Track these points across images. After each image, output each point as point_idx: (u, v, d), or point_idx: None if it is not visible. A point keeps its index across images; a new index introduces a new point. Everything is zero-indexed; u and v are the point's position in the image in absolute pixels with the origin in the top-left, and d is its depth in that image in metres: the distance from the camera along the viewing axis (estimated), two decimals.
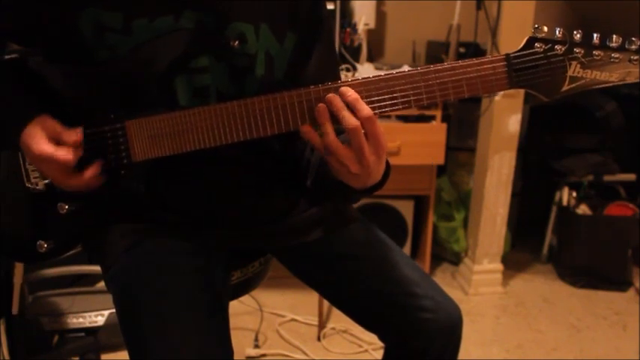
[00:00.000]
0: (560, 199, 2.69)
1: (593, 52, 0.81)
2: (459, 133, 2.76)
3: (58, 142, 0.88)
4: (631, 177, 2.68)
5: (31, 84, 0.96)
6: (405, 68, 2.48)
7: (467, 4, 2.40)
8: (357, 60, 2.51)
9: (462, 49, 2.55)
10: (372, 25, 2.60)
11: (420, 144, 2.20)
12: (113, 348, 1.94)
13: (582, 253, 2.58)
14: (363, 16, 2.54)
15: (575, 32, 0.82)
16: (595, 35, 0.81)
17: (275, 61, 0.97)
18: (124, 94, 0.91)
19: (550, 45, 0.82)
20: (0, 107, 0.92)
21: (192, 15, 0.89)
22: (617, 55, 0.80)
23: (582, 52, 0.81)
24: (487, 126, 2.37)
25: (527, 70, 0.83)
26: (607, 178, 2.67)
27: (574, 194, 2.64)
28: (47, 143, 0.87)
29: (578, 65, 0.82)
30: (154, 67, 0.89)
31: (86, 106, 0.93)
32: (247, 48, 0.93)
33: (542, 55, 0.82)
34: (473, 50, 2.46)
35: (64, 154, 0.87)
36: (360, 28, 2.51)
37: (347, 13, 2.53)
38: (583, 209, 2.58)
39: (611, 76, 0.82)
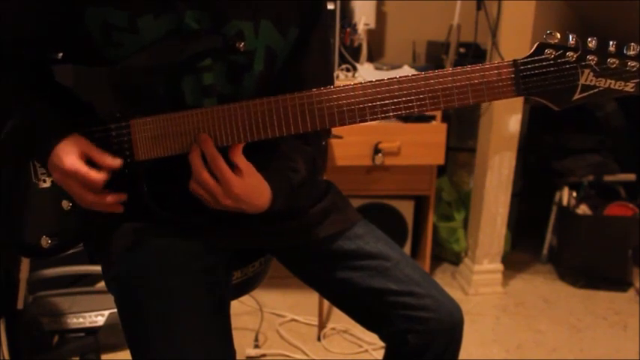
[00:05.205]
0: (560, 200, 2.69)
1: (608, 59, 0.77)
2: (459, 133, 2.76)
3: (89, 160, 0.90)
4: (631, 177, 2.68)
5: (43, 84, 0.97)
6: (406, 68, 2.49)
7: (467, 4, 2.40)
8: (357, 60, 2.51)
9: (462, 50, 2.55)
10: (372, 25, 2.61)
11: (420, 144, 2.20)
12: (113, 348, 1.94)
13: (582, 253, 2.58)
14: (363, 16, 2.54)
15: (589, 39, 0.78)
16: (611, 42, 0.77)
17: (278, 54, 0.98)
18: (132, 93, 0.92)
19: (561, 52, 0.78)
20: (34, 119, 0.93)
21: (194, 14, 0.90)
22: (634, 64, 0.76)
23: (596, 59, 0.77)
24: (487, 126, 2.37)
25: (535, 77, 0.79)
26: (607, 178, 2.67)
27: (574, 194, 2.64)
28: (79, 160, 0.89)
29: (591, 73, 0.78)
30: (162, 67, 0.90)
31: (95, 104, 0.94)
32: (245, 45, 0.93)
33: (552, 61, 0.79)
34: (473, 50, 2.46)
35: (95, 174, 0.88)
36: (360, 28, 2.51)
37: (347, 13, 2.53)
38: (583, 209, 2.58)
39: (627, 85, 0.77)
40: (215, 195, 0.89)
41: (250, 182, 0.90)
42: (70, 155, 0.88)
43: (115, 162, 0.91)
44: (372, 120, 0.85)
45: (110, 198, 0.91)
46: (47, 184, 0.97)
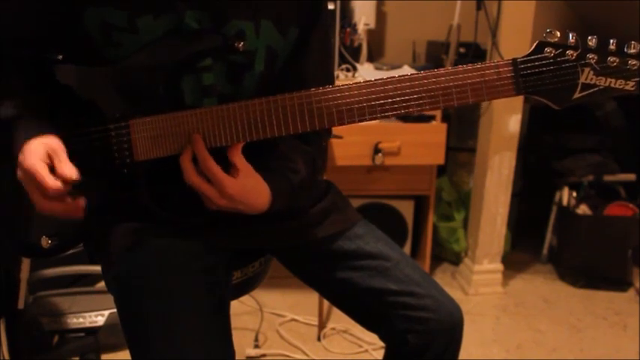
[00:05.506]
0: (560, 199, 2.69)
1: (608, 58, 0.77)
2: (459, 133, 2.76)
3: (52, 164, 0.84)
4: (631, 177, 2.68)
5: (44, 84, 0.97)
6: (406, 68, 2.49)
7: (467, 4, 2.40)
8: (357, 60, 2.51)
9: (462, 50, 2.55)
10: (372, 25, 2.61)
11: (420, 144, 2.20)
12: (113, 348, 1.94)
13: (582, 253, 2.58)
14: (363, 16, 2.54)
15: (589, 37, 0.77)
16: (612, 41, 0.77)
17: (279, 54, 0.98)
18: (132, 93, 0.92)
19: (561, 50, 0.78)
20: (18, 118, 0.91)
21: (194, 14, 0.90)
22: (634, 63, 0.76)
23: (596, 58, 0.77)
24: (487, 126, 2.37)
25: (535, 76, 0.79)
26: (607, 178, 2.67)
27: (574, 194, 2.64)
28: (41, 162, 0.83)
29: (591, 72, 0.77)
30: (162, 67, 0.90)
31: (96, 103, 0.94)
32: (246, 45, 0.93)
33: (552, 60, 0.78)
34: (473, 50, 2.46)
35: (52, 183, 0.82)
36: (360, 28, 2.51)
37: (347, 13, 2.53)
38: (583, 209, 2.58)
39: (627, 84, 0.77)
40: (208, 196, 0.89)
41: (247, 183, 0.90)
42: (33, 154, 0.83)
43: (71, 173, 0.83)
44: (371, 119, 0.85)
45: (67, 206, 0.85)
46: None
